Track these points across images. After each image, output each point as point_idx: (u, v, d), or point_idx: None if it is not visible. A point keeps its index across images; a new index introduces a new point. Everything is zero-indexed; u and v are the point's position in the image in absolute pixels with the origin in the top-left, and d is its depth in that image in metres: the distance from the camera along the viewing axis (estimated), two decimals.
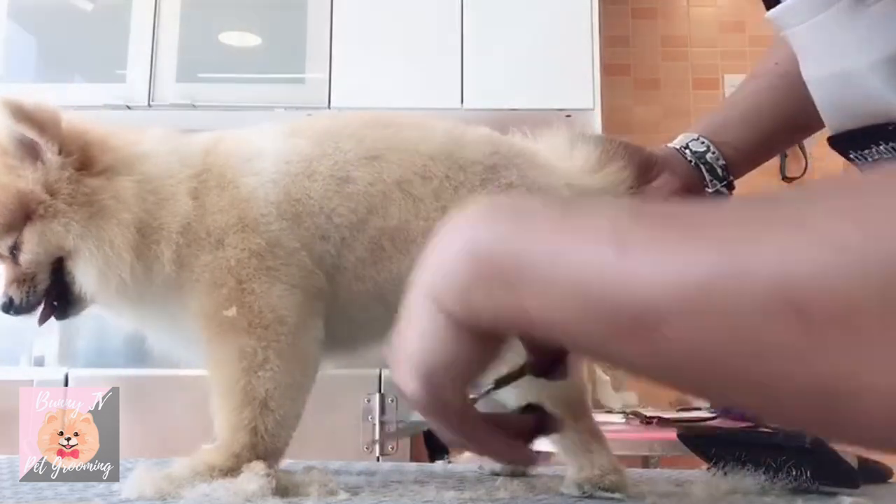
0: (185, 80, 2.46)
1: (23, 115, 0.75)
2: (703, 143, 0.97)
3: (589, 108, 2.58)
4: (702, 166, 0.96)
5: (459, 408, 0.40)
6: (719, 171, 0.96)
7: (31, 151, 0.77)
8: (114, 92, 2.42)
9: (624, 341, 0.28)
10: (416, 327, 0.37)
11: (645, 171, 0.94)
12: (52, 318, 0.82)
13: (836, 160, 0.90)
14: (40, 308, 0.81)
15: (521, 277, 0.31)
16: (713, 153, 0.96)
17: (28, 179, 0.76)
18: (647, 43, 3.21)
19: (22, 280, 0.78)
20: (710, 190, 0.96)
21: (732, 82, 2.94)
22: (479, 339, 0.36)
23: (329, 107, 2.54)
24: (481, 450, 0.44)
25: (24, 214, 0.76)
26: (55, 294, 0.80)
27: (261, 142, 0.84)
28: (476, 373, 0.39)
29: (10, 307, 0.79)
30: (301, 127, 0.86)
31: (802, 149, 2.97)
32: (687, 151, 0.97)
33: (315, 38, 2.53)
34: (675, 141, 0.99)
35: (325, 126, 0.87)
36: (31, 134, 0.76)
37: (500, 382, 0.45)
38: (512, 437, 0.44)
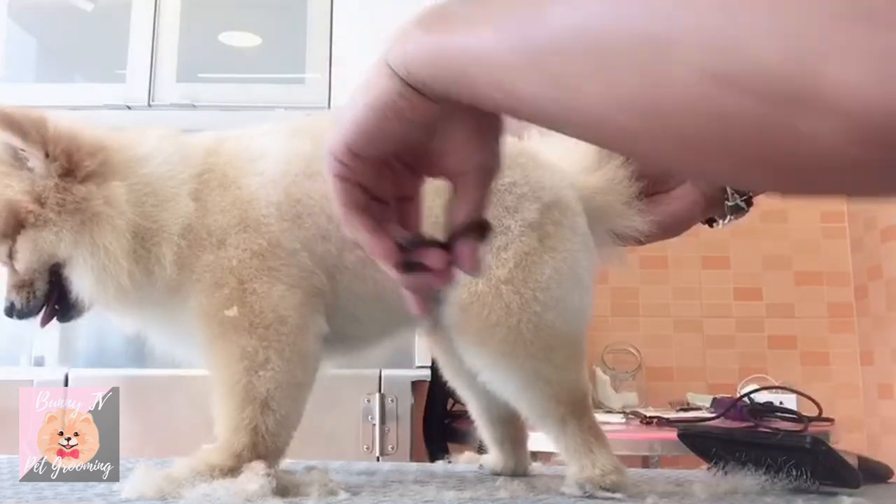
0: (185, 80, 2.46)
1: (6, 122, 0.74)
2: None
3: None
4: None
5: (358, 173, 0.45)
6: None
7: (17, 159, 0.76)
8: (114, 92, 2.41)
9: (525, 72, 0.33)
10: (364, 87, 0.41)
11: (664, 180, 0.93)
12: (55, 321, 0.82)
13: None
14: (42, 311, 0.81)
15: (454, 19, 0.37)
16: None
17: (15, 189, 0.75)
18: None
19: (21, 285, 0.78)
20: (729, 203, 0.95)
21: None
22: (407, 107, 0.40)
23: (329, 107, 2.53)
24: (349, 224, 0.46)
25: (16, 223, 0.76)
26: (56, 298, 0.80)
27: (264, 142, 0.84)
28: (391, 141, 0.43)
29: (12, 311, 0.79)
30: (302, 127, 0.86)
31: None
32: None
33: (315, 38, 2.52)
34: None
35: (326, 126, 0.87)
36: (15, 141, 0.75)
37: None
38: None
